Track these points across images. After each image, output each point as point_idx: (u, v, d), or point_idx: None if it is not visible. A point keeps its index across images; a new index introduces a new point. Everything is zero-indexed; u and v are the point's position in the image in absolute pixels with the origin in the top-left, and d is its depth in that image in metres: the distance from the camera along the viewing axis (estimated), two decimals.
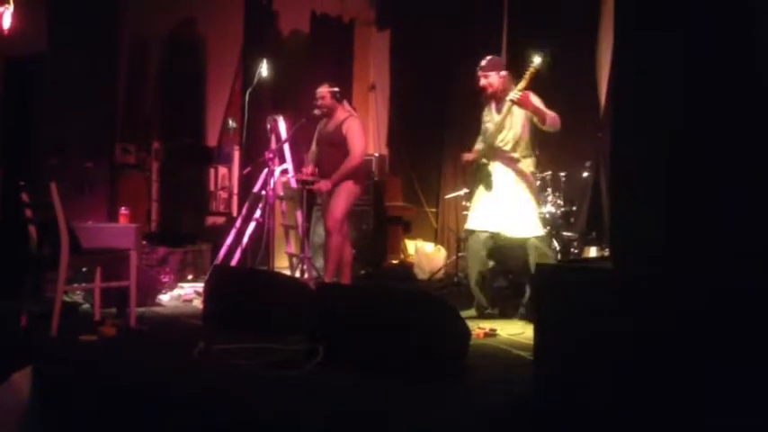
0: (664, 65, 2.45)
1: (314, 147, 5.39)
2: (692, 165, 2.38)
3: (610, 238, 3.22)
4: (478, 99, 7.03)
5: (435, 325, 3.15)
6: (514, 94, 4.26)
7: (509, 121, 4.46)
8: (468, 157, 4.68)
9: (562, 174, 5.73)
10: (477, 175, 4.62)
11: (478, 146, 4.74)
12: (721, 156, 2.33)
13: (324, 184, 5.09)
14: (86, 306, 4.75)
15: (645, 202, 2.52)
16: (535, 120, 4.38)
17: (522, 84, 4.25)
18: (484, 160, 4.55)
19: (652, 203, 2.49)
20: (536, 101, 4.36)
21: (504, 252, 4.97)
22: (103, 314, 4.42)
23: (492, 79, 4.53)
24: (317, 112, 5.25)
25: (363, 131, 5.31)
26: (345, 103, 5.35)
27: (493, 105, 4.63)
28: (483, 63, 4.58)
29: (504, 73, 4.55)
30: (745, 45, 2.27)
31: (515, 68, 4.89)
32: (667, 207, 2.45)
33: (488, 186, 4.53)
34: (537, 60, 4.23)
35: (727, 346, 2.20)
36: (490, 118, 4.63)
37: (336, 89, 5.25)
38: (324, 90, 5.23)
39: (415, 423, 2.61)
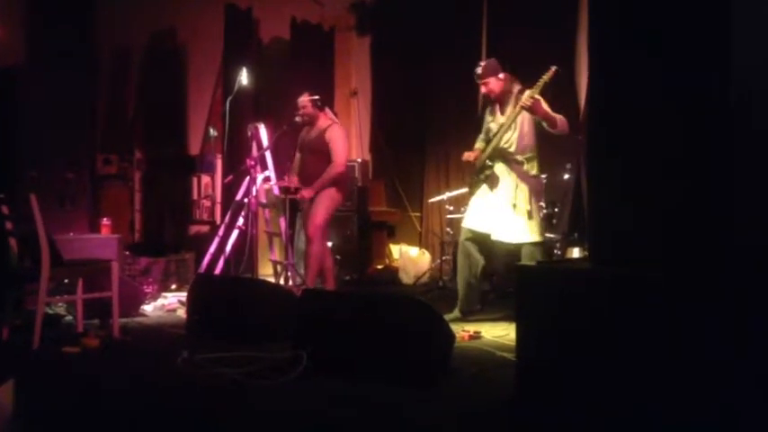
0: (633, 74, 2.50)
1: (297, 154, 5.40)
2: (663, 165, 2.42)
3: (587, 238, 3.25)
4: (461, 103, 7.14)
5: (419, 328, 3.16)
6: (526, 99, 4.22)
7: (515, 122, 4.45)
8: (468, 156, 4.63)
9: (543, 176, 5.75)
10: (479, 175, 4.60)
11: (479, 145, 4.72)
12: (691, 154, 2.37)
13: (306, 192, 5.10)
14: (69, 318, 4.72)
15: (619, 202, 2.55)
16: (545, 125, 4.36)
17: (535, 90, 4.20)
18: (488, 162, 4.54)
19: (627, 204, 2.52)
20: (544, 105, 4.35)
21: (490, 254, 4.99)
22: (86, 326, 4.40)
23: (492, 85, 4.51)
24: (298, 119, 5.28)
25: (346, 139, 5.33)
26: (327, 110, 5.38)
27: (497, 106, 4.60)
28: (479, 71, 4.54)
29: (502, 75, 4.51)
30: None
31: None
32: (641, 207, 2.48)
33: (492, 186, 4.52)
34: (552, 69, 4.17)
35: (704, 340, 2.23)
36: (493, 118, 4.61)
37: (317, 97, 5.27)
38: (305, 99, 5.26)
39: (399, 426, 2.62)
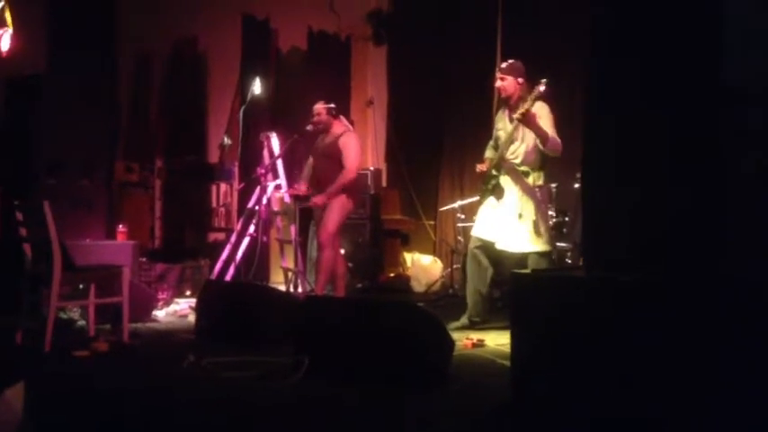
0: (628, 80, 2.53)
1: (310, 160, 5.47)
2: (655, 171, 2.43)
3: (581, 245, 3.26)
4: (476, 112, 7.16)
5: (418, 335, 3.19)
6: (519, 113, 4.22)
7: (521, 133, 4.44)
8: (481, 168, 4.65)
9: (553, 185, 5.75)
10: (486, 186, 4.61)
11: (488, 153, 4.73)
12: (683, 160, 2.38)
13: (318, 199, 5.16)
14: (82, 322, 4.81)
15: (614, 209, 2.57)
16: (537, 141, 4.36)
17: (527, 104, 4.19)
18: (494, 172, 4.55)
19: (621, 210, 2.54)
20: (545, 122, 4.33)
21: (499, 263, 4.99)
22: (98, 330, 4.48)
23: (508, 83, 4.50)
24: (309, 128, 5.34)
25: (360, 146, 5.38)
26: (342, 118, 5.43)
27: (506, 112, 4.59)
28: (504, 65, 4.58)
29: (521, 80, 4.50)
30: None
31: None
32: (636, 213, 2.50)
33: (499, 197, 4.52)
34: (538, 87, 4.17)
35: (700, 346, 2.24)
36: (503, 125, 4.61)
37: (332, 105, 5.34)
38: (320, 106, 5.33)
39: (396, 429, 2.65)
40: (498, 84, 4.57)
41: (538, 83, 4.21)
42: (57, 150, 5.76)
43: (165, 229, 7.77)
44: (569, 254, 5.82)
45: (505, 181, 4.53)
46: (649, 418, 2.34)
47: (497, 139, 4.65)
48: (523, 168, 4.50)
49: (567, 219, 5.92)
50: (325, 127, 5.31)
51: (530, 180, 4.51)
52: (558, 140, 4.37)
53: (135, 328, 4.57)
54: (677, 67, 2.38)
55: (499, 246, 4.48)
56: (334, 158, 5.18)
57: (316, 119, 5.31)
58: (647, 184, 2.44)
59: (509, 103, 4.55)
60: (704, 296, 2.26)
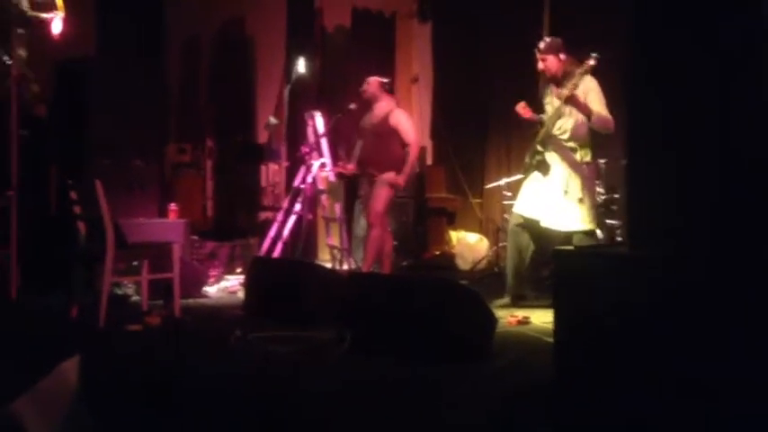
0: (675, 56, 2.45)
1: (358, 141, 5.47)
2: (704, 145, 2.36)
3: (626, 221, 3.19)
4: (523, 88, 7.03)
5: (460, 312, 3.20)
6: (566, 90, 4.15)
7: (568, 108, 4.34)
8: (523, 111, 4.51)
9: (602, 161, 5.63)
10: (531, 161, 4.52)
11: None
12: (735, 136, 2.30)
13: (401, 179, 5.12)
14: (136, 298, 4.96)
15: (658, 184, 2.51)
16: (581, 117, 4.29)
17: (576, 79, 4.10)
18: (539, 147, 4.46)
19: (665, 184, 2.48)
20: (594, 97, 4.26)
21: (547, 241, 4.93)
22: (151, 305, 4.61)
23: (550, 63, 4.42)
24: (353, 106, 5.35)
25: (411, 119, 5.35)
26: (391, 95, 5.41)
27: (553, 88, 4.50)
28: (541, 45, 4.47)
29: (563, 56, 4.41)
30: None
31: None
32: (680, 187, 2.43)
33: (545, 173, 4.43)
34: (588, 62, 4.07)
35: (746, 321, 2.18)
36: (549, 100, 4.54)
37: (386, 80, 5.35)
38: (372, 78, 5.32)
39: (436, 405, 2.67)
40: (540, 65, 4.48)
41: (587, 57, 4.10)
42: (109, 131, 5.92)
43: (217, 208, 7.93)
44: (619, 231, 5.71)
45: (552, 157, 4.45)
46: (696, 400, 2.29)
47: (546, 113, 4.56)
48: (571, 144, 4.42)
49: (616, 196, 5.81)
50: (372, 99, 5.28)
51: (577, 156, 4.43)
52: (608, 117, 4.27)
53: (186, 304, 4.69)
54: (729, 36, 2.29)
55: (544, 223, 4.42)
56: (384, 136, 5.17)
57: (364, 87, 5.29)
58: (694, 158, 2.37)
59: (556, 81, 4.46)
60: (756, 276, 2.19)
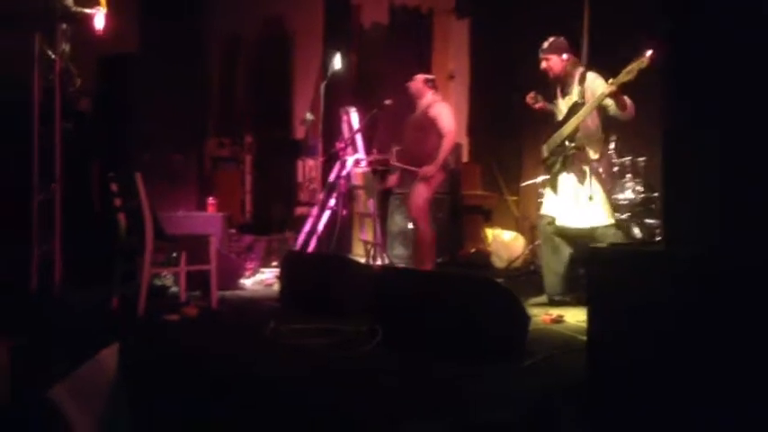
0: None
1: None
2: (743, 142, 2.32)
3: (662, 219, 3.15)
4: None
5: (492, 309, 3.18)
6: (612, 84, 4.03)
7: (576, 110, 4.31)
8: (532, 102, 4.64)
9: (641, 159, 5.56)
10: (552, 169, 4.56)
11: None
12: None
13: (429, 169, 5.10)
14: (175, 289, 5.06)
15: (695, 181, 2.47)
16: (611, 110, 4.22)
17: (627, 77, 3.94)
18: (547, 152, 4.51)
19: (701, 182, 2.44)
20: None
21: (582, 240, 4.89)
22: (189, 296, 4.70)
23: (553, 62, 4.43)
24: (388, 102, 5.37)
25: (452, 113, 5.34)
26: (435, 91, 5.44)
27: (558, 90, 4.54)
28: (544, 45, 4.47)
29: (566, 56, 4.42)
30: None
31: (597, 56, 4.68)
32: (718, 186, 2.39)
33: (557, 174, 4.50)
34: (646, 56, 3.86)
35: None
36: (557, 102, 4.56)
37: (431, 77, 5.43)
38: (418, 75, 5.39)
39: (463, 401, 2.67)
40: (543, 65, 4.47)
41: (644, 53, 3.96)
42: (151, 126, 6.04)
43: (254, 202, 8.04)
44: (658, 230, 5.62)
45: (561, 162, 4.45)
46: (734, 404, 2.25)
47: (555, 117, 4.54)
48: (580, 143, 4.37)
49: (655, 195, 5.72)
50: (416, 94, 5.32)
51: (585, 154, 4.39)
52: (632, 103, 4.18)
53: (223, 295, 4.77)
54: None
55: (559, 222, 4.44)
56: (425, 130, 5.19)
57: (410, 83, 5.34)
58: (732, 156, 2.33)
59: (560, 81, 4.46)
60: None
